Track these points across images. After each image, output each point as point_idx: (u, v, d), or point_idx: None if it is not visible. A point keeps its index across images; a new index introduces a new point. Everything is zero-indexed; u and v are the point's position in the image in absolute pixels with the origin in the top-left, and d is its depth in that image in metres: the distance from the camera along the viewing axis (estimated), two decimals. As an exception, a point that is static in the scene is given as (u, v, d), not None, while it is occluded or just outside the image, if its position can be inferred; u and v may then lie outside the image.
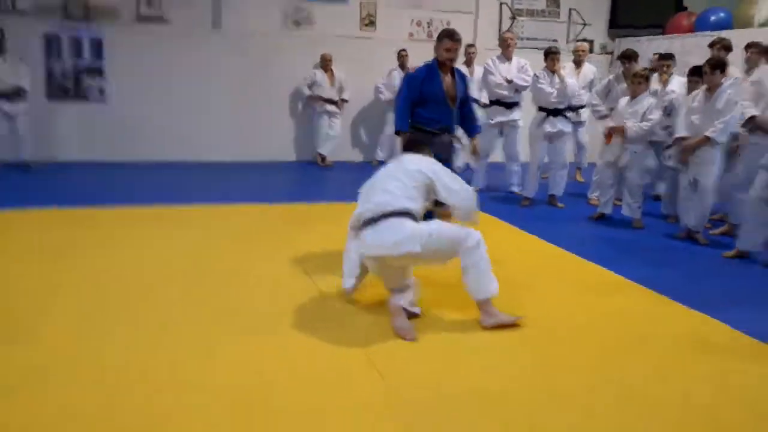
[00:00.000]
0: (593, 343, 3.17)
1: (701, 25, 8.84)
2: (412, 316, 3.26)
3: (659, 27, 9.56)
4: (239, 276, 3.91)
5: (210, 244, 4.59)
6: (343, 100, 8.60)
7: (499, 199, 6.90)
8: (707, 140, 5.08)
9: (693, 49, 7.36)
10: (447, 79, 4.23)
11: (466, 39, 9.30)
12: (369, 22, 8.98)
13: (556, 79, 6.30)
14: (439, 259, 3.22)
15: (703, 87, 5.25)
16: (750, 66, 5.71)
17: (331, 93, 8.51)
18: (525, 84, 6.77)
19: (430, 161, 3.39)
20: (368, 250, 3.19)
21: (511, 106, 6.92)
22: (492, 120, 7.01)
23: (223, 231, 4.97)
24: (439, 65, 4.22)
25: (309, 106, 8.66)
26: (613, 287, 4.10)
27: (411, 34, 9.23)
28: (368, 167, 8.71)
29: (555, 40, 9.87)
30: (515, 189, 7.16)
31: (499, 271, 3.30)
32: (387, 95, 8.46)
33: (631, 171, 5.72)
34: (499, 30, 9.66)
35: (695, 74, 5.65)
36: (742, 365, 2.97)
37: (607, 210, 5.98)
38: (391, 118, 8.01)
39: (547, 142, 6.47)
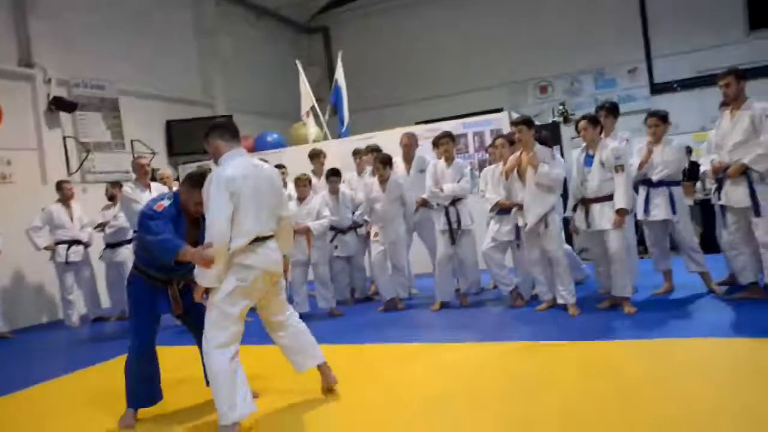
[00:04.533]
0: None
1: (260, 145, 10.17)
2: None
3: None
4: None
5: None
6: None
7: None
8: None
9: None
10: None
11: (34, 176, 8.13)
12: None
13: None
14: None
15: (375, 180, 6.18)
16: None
17: None
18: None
19: None
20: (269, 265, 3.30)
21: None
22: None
23: None
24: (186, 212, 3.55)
25: None
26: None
27: (-35, 178, 7.38)
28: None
29: (127, 171, 9.49)
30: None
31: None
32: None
33: (321, 266, 6.22)
34: (68, 165, 8.73)
35: (334, 175, 6.66)
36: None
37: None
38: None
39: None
